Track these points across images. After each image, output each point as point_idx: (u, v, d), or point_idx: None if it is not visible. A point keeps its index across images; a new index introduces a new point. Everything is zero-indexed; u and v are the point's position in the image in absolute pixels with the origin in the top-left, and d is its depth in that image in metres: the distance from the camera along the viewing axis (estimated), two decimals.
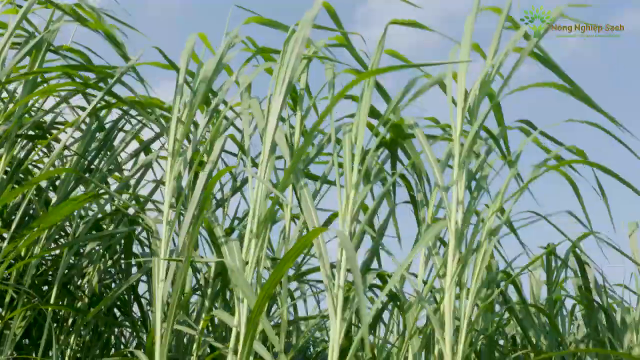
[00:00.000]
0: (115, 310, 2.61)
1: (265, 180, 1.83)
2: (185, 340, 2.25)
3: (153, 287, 1.93)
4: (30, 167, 2.53)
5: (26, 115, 2.45)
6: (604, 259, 2.59)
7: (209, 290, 2.23)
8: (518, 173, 2.11)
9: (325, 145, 2.06)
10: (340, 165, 1.91)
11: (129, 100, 2.34)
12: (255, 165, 1.99)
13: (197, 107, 1.97)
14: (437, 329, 1.82)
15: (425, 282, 2.09)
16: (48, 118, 2.59)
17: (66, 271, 2.32)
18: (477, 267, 1.87)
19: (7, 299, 2.20)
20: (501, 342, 2.78)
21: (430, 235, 1.90)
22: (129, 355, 2.24)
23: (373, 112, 2.14)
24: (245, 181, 2.42)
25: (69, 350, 2.29)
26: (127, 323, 2.53)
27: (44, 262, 2.50)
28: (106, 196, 2.47)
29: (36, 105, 2.57)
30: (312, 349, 2.62)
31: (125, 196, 2.48)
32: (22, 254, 2.28)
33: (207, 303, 2.21)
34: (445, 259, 1.89)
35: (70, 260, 2.35)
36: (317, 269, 2.35)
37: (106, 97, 2.33)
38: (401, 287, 2.12)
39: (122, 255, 2.47)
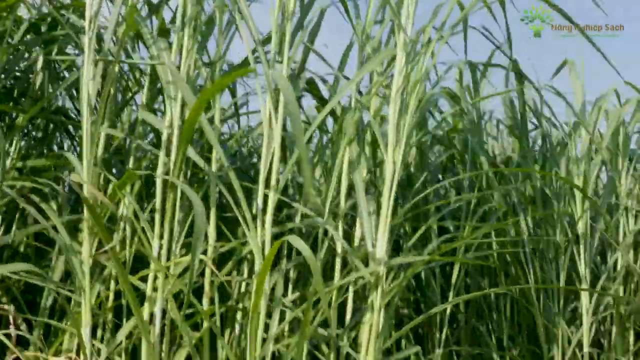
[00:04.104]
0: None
1: None
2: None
3: (81, 87, 1.90)
4: None
5: None
6: None
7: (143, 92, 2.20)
8: None
9: None
10: None
11: None
12: None
13: None
14: (379, 136, 1.89)
15: (360, 92, 2.11)
16: None
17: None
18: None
19: None
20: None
21: (380, 58, 2.00)
22: (61, 158, 2.26)
23: None
24: None
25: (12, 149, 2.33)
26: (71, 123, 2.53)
27: None
28: None
29: None
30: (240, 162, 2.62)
31: None
32: None
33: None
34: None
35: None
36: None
37: None
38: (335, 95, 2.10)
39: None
